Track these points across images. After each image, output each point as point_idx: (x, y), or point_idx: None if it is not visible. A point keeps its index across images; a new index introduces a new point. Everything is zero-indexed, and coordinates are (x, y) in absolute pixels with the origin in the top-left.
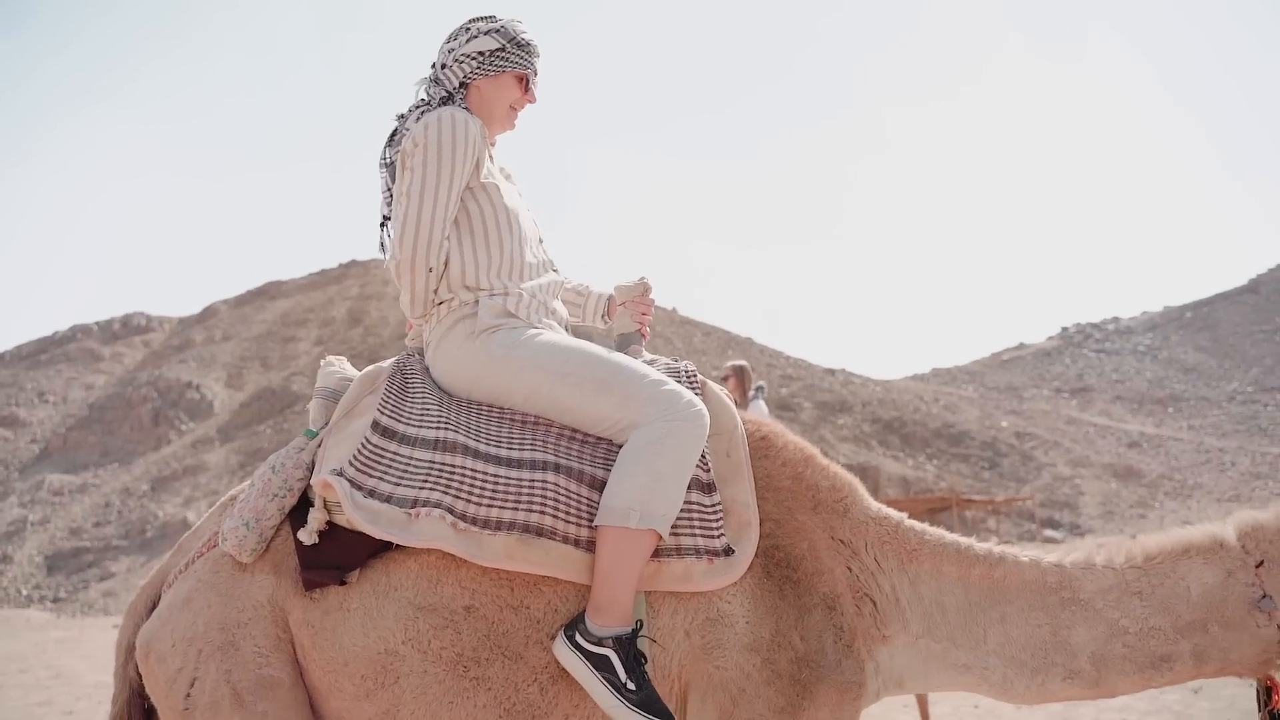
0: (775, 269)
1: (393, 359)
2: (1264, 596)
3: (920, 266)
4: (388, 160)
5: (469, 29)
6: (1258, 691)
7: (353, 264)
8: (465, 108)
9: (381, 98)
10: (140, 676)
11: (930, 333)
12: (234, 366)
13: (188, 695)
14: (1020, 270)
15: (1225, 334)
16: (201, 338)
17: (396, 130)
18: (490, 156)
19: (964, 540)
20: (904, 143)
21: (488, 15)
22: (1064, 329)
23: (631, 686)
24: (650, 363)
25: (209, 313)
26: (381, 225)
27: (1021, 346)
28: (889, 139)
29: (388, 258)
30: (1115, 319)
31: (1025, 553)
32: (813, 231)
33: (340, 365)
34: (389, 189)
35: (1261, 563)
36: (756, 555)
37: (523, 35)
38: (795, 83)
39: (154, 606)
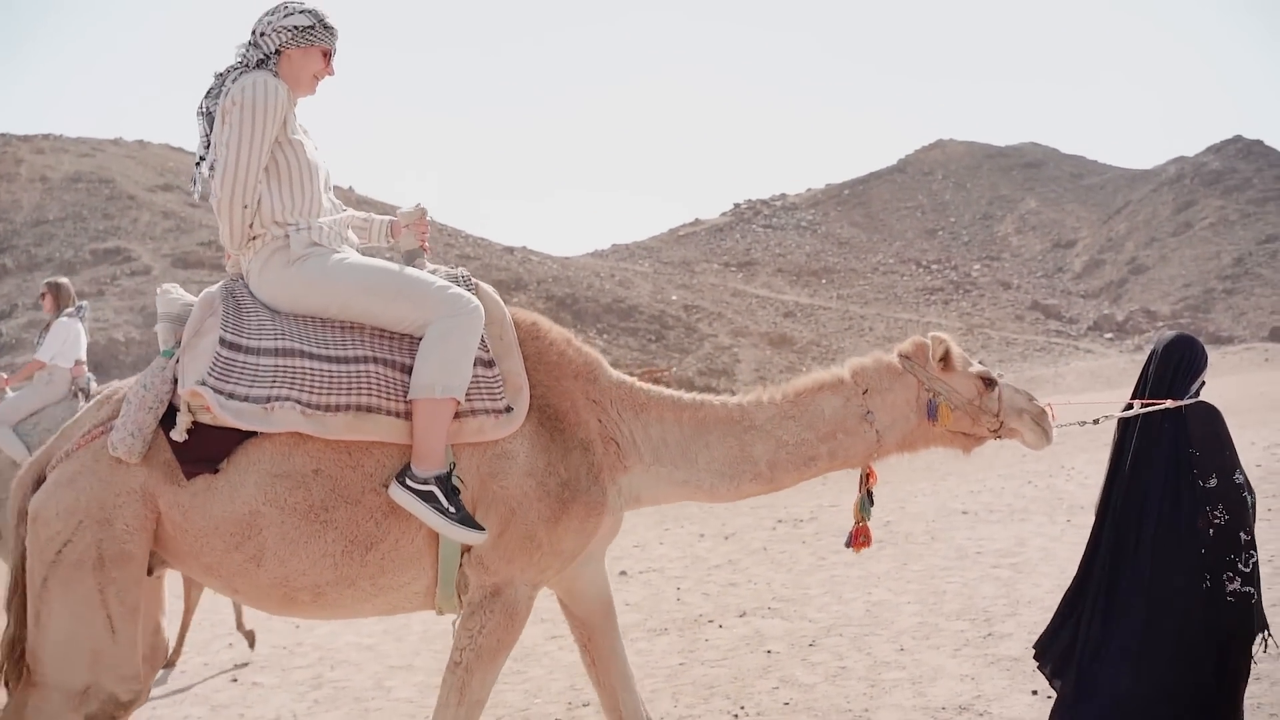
0: (470, 148)
1: (219, 284)
2: (868, 412)
3: (614, 149)
4: (205, 110)
5: (286, 6)
6: (860, 476)
7: None
8: (275, 72)
9: None
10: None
11: (617, 212)
12: None
13: (59, 553)
14: (702, 150)
15: (876, 210)
16: None
17: (213, 86)
18: (294, 115)
19: (678, 393)
20: (597, 21)
21: None
22: (736, 205)
23: (452, 510)
24: (433, 272)
25: None
26: (197, 164)
27: (697, 223)
28: (580, 17)
29: (211, 197)
30: (783, 196)
31: (718, 398)
32: (510, 113)
33: (178, 292)
34: (206, 135)
35: (866, 390)
36: (533, 410)
37: (328, 19)
38: None
39: (38, 482)
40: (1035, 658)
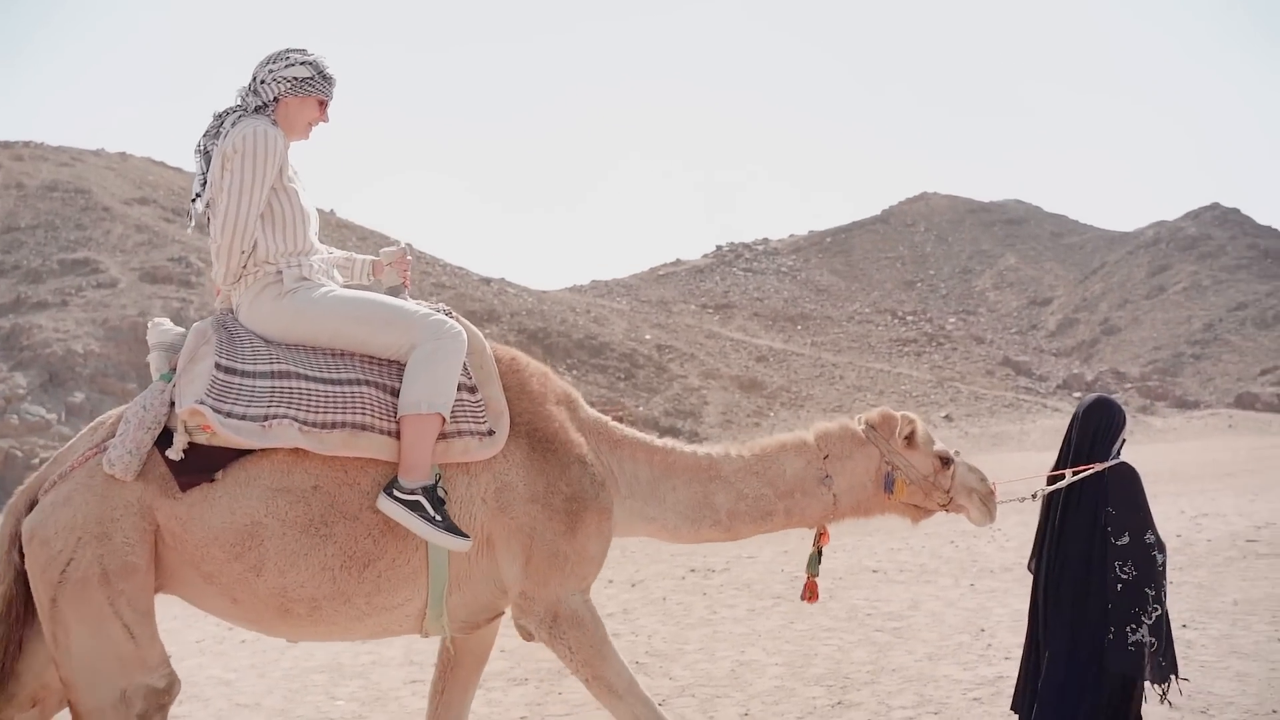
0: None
1: (210, 318)
2: (826, 476)
3: (600, 186)
4: (203, 149)
5: (288, 57)
6: (815, 534)
7: None
8: (273, 119)
9: None
10: (23, 561)
11: (601, 249)
12: None
13: (63, 572)
14: (685, 191)
15: (857, 259)
16: None
17: (211, 126)
18: (289, 162)
19: (649, 436)
20: (579, 59)
21: (301, 48)
22: (718, 247)
23: (438, 518)
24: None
25: None
26: (193, 199)
27: (678, 263)
28: (565, 54)
29: (210, 239)
30: (765, 240)
31: (689, 446)
32: (489, 126)
33: (168, 324)
34: (203, 173)
35: (827, 455)
36: (523, 437)
37: (328, 70)
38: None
39: (31, 506)
40: (1013, 709)
